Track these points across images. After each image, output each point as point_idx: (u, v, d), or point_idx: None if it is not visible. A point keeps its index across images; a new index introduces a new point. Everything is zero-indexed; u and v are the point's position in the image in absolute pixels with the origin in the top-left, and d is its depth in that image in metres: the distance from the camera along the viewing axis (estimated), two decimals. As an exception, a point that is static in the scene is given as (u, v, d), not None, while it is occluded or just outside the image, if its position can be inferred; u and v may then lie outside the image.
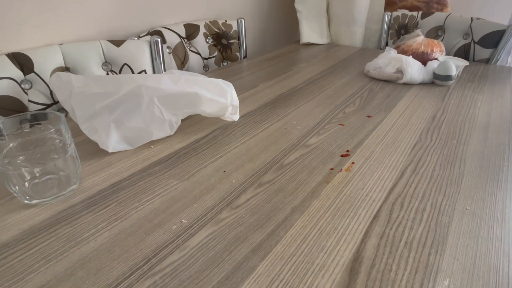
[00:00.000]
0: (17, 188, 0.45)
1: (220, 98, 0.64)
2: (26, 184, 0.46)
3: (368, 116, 0.74)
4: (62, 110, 0.82)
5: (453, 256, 0.39)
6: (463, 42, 1.22)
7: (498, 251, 0.40)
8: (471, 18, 1.19)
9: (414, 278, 0.37)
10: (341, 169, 0.55)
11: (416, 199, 0.48)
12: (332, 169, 0.55)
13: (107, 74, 0.88)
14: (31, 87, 0.76)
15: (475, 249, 0.40)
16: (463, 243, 0.41)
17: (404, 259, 0.39)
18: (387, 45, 1.41)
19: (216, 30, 1.20)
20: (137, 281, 0.36)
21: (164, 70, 0.97)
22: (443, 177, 0.54)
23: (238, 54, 1.26)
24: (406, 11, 1.35)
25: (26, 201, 0.47)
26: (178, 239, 0.41)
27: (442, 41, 1.26)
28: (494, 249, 0.40)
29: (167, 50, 1.04)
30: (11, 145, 0.45)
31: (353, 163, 0.57)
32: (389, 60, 0.96)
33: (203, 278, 0.36)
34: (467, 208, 0.47)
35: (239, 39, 1.25)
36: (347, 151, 0.61)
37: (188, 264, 0.38)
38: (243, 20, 1.24)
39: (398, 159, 0.58)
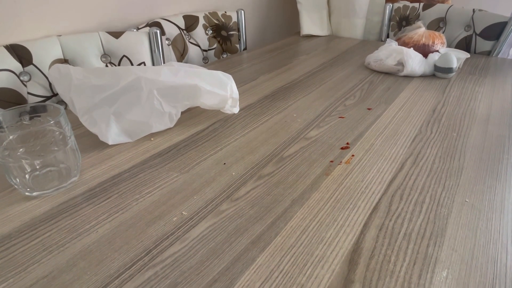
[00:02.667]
0: (18, 180, 0.45)
1: (220, 90, 0.64)
2: (27, 176, 0.46)
3: (369, 109, 0.74)
4: (61, 102, 0.82)
5: (451, 248, 0.39)
6: (464, 34, 1.21)
7: (496, 243, 0.40)
8: (473, 9, 1.18)
9: (412, 269, 0.37)
10: (341, 162, 0.55)
11: (415, 191, 0.49)
12: (332, 161, 0.56)
13: (106, 66, 0.88)
14: (30, 79, 0.76)
15: (474, 241, 0.40)
16: (462, 235, 0.41)
17: (403, 250, 0.39)
18: (388, 37, 1.40)
19: (216, 22, 1.19)
20: (138, 272, 0.36)
21: (163, 62, 0.97)
22: (442, 169, 0.54)
23: (237, 46, 1.25)
24: (407, 3, 1.34)
25: (27, 193, 0.47)
26: (179, 230, 0.42)
27: (443, 33, 1.25)
28: (493, 240, 0.41)
29: (166, 42, 1.04)
30: (11, 137, 0.45)
31: (353, 155, 0.57)
32: (390, 52, 0.96)
33: (204, 269, 0.37)
34: (466, 200, 0.47)
35: (239, 30, 1.25)
36: (347, 143, 0.61)
37: (189, 255, 0.38)
38: (243, 11, 1.23)
39: (398, 151, 0.58)
